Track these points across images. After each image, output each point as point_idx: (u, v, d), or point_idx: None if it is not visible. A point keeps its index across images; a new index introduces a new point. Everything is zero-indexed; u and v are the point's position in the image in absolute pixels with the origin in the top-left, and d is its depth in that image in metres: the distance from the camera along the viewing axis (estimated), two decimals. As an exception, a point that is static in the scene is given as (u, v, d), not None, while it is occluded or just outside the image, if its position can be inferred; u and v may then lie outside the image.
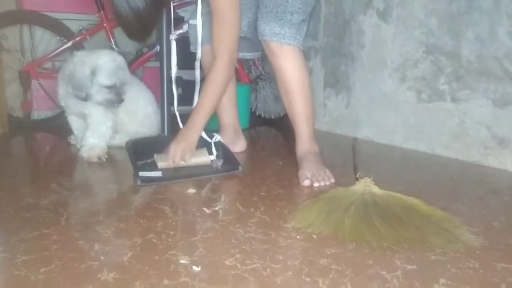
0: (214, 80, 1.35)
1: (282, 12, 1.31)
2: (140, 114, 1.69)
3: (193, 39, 1.51)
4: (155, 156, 1.38)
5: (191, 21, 1.51)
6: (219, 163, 1.39)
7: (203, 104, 1.36)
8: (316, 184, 1.27)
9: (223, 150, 1.45)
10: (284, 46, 1.33)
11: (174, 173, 1.33)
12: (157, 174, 1.28)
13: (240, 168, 1.37)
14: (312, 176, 1.29)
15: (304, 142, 1.42)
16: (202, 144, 1.41)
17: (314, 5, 1.38)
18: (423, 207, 1.03)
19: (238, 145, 1.66)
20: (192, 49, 1.55)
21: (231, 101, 1.62)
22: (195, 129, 1.36)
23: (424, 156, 1.69)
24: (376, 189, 1.09)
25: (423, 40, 1.69)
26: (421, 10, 1.68)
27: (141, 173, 1.26)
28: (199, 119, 1.36)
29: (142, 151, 1.40)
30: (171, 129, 1.53)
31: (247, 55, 1.62)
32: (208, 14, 1.37)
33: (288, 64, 1.35)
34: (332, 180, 1.30)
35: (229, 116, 1.64)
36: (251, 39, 1.51)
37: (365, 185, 1.10)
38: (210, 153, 1.41)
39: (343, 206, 1.01)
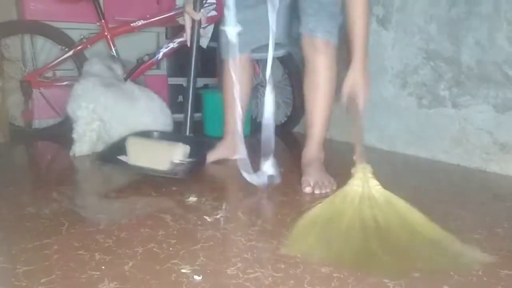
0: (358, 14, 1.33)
1: (332, 8, 1.36)
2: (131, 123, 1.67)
3: (225, 46, 1.48)
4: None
5: (224, 27, 1.51)
6: (181, 168, 1.31)
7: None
8: (317, 192, 1.27)
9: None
10: (331, 43, 1.38)
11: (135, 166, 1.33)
12: (124, 158, 1.33)
13: (180, 174, 1.29)
14: (315, 183, 1.28)
15: (313, 147, 1.42)
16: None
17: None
18: (422, 222, 0.93)
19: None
20: (223, 56, 1.54)
21: (244, 105, 1.59)
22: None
23: (426, 162, 1.68)
24: (374, 190, 1.00)
25: (423, 46, 1.69)
26: (420, 16, 1.68)
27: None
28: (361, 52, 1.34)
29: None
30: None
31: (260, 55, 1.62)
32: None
33: (328, 61, 1.39)
34: (334, 188, 1.29)
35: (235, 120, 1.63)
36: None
37: (363, 182, 1.02)
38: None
39: (342, 231, 0.91)
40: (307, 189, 1.27)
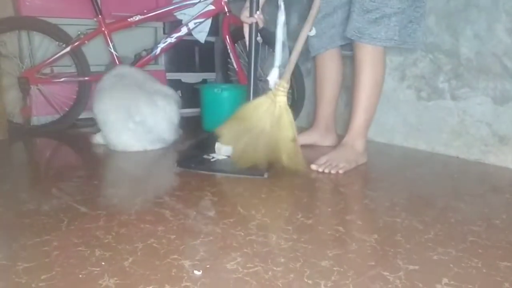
0: None
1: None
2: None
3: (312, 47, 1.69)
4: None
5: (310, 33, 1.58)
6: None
7: None
8: (320, 170, 1.38)
9: None
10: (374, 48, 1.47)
11: (209, 165, 1.42)
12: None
13: (265, 175, 1.35)
14: (325, 162, 1.40)
15: (349, 134, 1.50)
16: None
17: None
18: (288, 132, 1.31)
19: (327, 140, 1.76)
20: (312, 54, 1.71)
21: (333, 96, 1.72)
22: None
23: (425, 154, 1.69)
24: (277, 104, 1.32)
25: (422, 39, 1.68)
26: (419, 8, 1.68)
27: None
28: None
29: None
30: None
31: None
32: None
33: (371, 59, 1.47)
34: (341, 171, 1.38)
35: (325, 110, 1.73)
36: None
37: (274, 96, 1.34)
38: None
39: (246, 130, 1.34)
40: (312, 166, 1.40)
